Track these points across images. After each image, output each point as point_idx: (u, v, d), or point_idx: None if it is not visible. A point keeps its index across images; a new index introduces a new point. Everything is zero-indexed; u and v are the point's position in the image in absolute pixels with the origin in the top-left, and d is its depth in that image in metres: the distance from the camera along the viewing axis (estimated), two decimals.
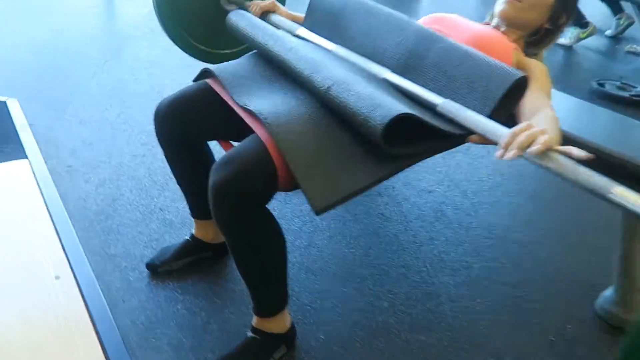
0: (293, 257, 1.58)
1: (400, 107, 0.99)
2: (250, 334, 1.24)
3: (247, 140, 1.10)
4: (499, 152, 0.87)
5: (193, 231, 1.53)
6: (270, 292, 1.19)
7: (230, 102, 1.20)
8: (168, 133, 1.32)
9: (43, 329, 0.72)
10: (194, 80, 1.37)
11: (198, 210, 1.47)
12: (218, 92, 1.25)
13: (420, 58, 1.17)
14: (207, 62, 1.78)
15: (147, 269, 1.49)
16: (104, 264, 1.51)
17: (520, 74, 1.06)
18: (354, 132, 1.06)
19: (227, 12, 1.50)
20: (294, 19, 1.48)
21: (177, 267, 1.50)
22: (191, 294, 1.44)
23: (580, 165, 0.84)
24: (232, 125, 1.28)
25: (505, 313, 1.45)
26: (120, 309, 1.37)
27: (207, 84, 1.30)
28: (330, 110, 1.09)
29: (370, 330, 1.37)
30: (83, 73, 2.69)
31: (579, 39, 3.51)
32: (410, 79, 1.15)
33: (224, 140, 1.36)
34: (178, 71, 2.73)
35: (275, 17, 1.47)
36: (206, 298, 1.43)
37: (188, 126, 1.30)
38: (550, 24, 1.33)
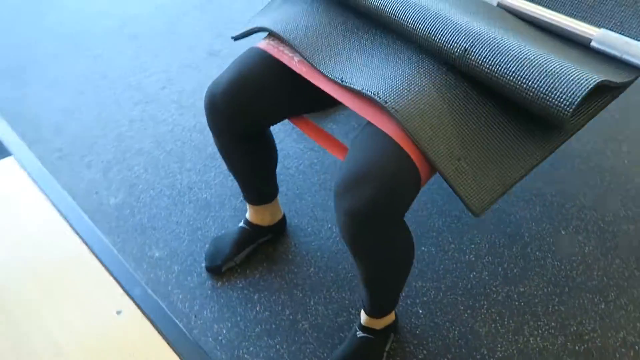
0: None
1: (583, 73, 0.70)
2: (360, 333, 1.13)
3: (370, 141, 0.83)
4: None
5: (247, 216, 1.34)
6: (393, 296, 1.05)
7: (310, 76, 0.92)
8: (227, 125, 1.04)
9: None
10: (236, 39, 1.08)
11: (257, 196, 1.27)
12: (285, 62, 0.97)
13: None
14: None
15: (209, 271, 1.32)
16: (154, 273, 1.33)
17: None
18: (499, 107, 0.82)
19: None
20: None
21: (239, 260, 1.33)
22: (265, 289, 1.29)
23: None
24: (304, 98, 1.05)
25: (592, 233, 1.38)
26: (196, 328, 1.22)
27: (265, 53, 1.01)
28: (462, 79, 0.82)
29: (467, 292, 1.28)
30: (32, 16, 2.22)
31: None
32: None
33: (294, 117, 1.11)
34: None
35: None
36: (283, 291, 1.29)
37: (252, 114, 1.02)
38: None
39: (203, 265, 1.34)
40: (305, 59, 0.93)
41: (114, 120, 1.76)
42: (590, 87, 0.68)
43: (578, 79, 0.69)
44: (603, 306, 1.25)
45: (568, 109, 0.69)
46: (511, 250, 1.37)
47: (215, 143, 1.13)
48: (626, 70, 0.79)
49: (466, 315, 1.24)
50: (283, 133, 1.70)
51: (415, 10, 0.83)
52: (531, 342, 1.19)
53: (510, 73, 0.73)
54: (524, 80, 0.72)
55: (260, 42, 1.05)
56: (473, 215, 0.81)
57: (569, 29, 0.83)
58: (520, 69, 0.72)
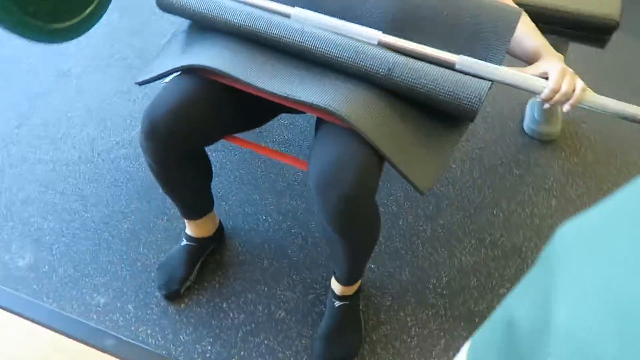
0: None
1: (480, 81, 0.93)
2: (338, 302, 1.24)
3: (332, 139, 0.94)
4: (547, 105, 0.94)
5: (188, 232, 1.33)
6: (366, 264, 1.17)
7: (255, 91, 0.96)
8: (169, 150, 1.02)
9: None
10: (142, 84, 1.04)
11: (196, 211, 1.27)
12: (225, 82, 0.99)
13: (411, 13, 1.01)
14: (44, 41, 1.20)
15: (169, 299, 1.29)
16: (109, 319, 1.25)
17: (517, 9, 1.01)
18: (417, 108, 0.98)
19: None
20: None
21: (194, 277, 1.32)
22: (230, 295, 1.32)
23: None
24: (243, 117, 1.09)
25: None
26: (180, 355, 1.20)
27: (201, 78, 1.01)
28: (385, 93, 0.96)
29: (402, 237, 1.47)
30: None
31: None
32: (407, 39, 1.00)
33: (232, 135, 1.13)
34: None
35: None
36: (247, 291, 1.33)
37: (195, 137, 1.03)
38: None
39: (157, 294, 1.31)
40: (243, 82, 0.95)
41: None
42: (487, 88, 0.92)
43: (478, 84, 0.92)
44: (501, 215, 1.54)
45: (478, 105, 0.91)
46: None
47: (152, 168, 1.10)
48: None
49: (408, 256, 1.43)
50: None
51: (335, 44, 0.94)
52: (463, 261, 1.43)
53: (429, 84, 0.93)
54: (442, 90, 0.92)
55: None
56: (420, 193, 0.96)
57: (437, 56, 0.99)
58: (437, 82, 0.92)
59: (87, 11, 1.25)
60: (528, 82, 0.95)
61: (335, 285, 1.24)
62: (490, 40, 0.98)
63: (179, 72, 1.02)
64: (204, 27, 1.05)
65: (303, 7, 1.00)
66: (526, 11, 1.04)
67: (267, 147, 1.17)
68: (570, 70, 0.94)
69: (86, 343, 0.73)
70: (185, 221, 1.31)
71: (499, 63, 0.97)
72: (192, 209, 1.25)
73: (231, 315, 1.28)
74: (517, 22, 0.97)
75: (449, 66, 0.96)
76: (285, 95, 0.92)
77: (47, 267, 1.34)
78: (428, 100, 0.95)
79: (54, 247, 1.38)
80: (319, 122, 1.04)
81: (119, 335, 1.12)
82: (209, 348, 1.22)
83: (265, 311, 1.29)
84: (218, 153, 1.64)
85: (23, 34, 1.12)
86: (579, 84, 0.92)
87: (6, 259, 1.35)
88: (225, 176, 1.58)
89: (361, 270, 1.19)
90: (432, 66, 0.94)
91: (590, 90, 0.95)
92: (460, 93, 0.91)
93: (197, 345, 1.22)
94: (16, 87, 1.81)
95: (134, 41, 1.99)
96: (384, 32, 0.97)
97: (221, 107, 1.03)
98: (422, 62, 0.95)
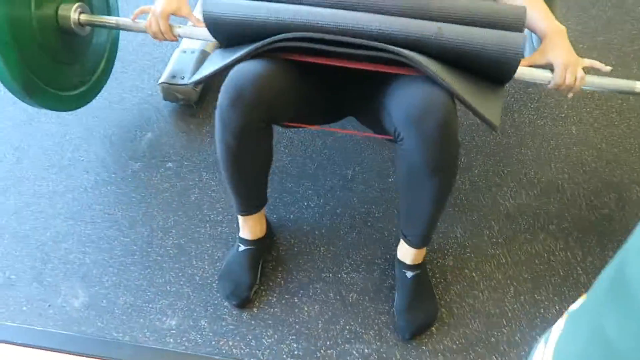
0: None
1: (517, 34, 1.01)
2: (410, 273, 1.25)
3: (411, 82, 1.00)
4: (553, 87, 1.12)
5: (244, 236, 1.30)
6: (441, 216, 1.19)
7: (328, 60, 1.01)
8: (253, 118, 1.02)
9: None
10: (198, 83, 1.10)
11: (257, 199, 1.26)
12: (299, 59, 1.02)
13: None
14: (56, 108, 1.47)
15: (240, 307, 1.27)
16: (187, 339, 1.24)
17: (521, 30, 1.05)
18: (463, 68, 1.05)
19: (76, 39, 1.31)
20: None
21: (259, 281, 1.31)
22: (299, 289, 1.31)
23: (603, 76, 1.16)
24: (315, 105, 1.18)
25: None
26: (268, 359, 1.21)
27: (277, 57, 1.03)
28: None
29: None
30: None
31: None
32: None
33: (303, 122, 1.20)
34: None
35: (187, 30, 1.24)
36: (313, 281, 1.33)
37: (277, 107, 1.04)
38: None
39: (225, 304, 1.29)
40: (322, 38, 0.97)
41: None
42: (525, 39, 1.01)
43: (517, 36, 1.00)
44: (529, 153, 1.57)
45: (520, 53, 1.00)
46: None
47: (228, 145, 1.08)
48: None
49: (456, 213, 1.45)
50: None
51: (386, 20, 1.00)
52: (507, 205, 1.46)
53: (475, 40, 0.99)
54: (488, 44, 0.99)
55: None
56: (493, 129, 1.03)
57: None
58: (483, 37, 0.99)
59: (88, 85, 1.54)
60: (535, 76, 1.13)
61: (406, 253, 1.24)
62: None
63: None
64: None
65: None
66: None
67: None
68: (572, 58, 1.09)
69: None
70: (241, 223, 1.28)
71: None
72: (254, 197, 1.24)
73: (305, 308, 1.28)
74: (522, 48, 1.00)
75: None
76: (372, 44, 0.96)
77: (104, 301, 1.30)
78: (474, 57, 1.00)
79: (104, 280, 1.33)
80: (374, 90, 1.11)
81: (203, 354, 1.12)
82: (295, 345, 1.23)
83: (337, 297, 1.30)
84: None
85: (33, 102, 1.35)
86: (579, 74, 1.09)
87: (59, 302, 1.30)
88: None
89: (435, 225, 1.18)
90: (472, 26, 1.01)
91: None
92: (504, 44, 0.99)
93: (282, 345, 1.23)
94: (1, 120, 1.68)
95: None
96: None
97: (298, 86, 1.07)
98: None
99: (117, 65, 1.72)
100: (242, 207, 1.24)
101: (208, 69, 1.08)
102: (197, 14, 1.35)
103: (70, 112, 1.65)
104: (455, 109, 1.00)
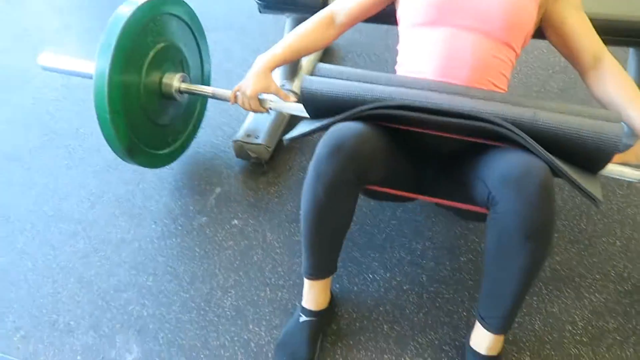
0: None
1: (615, 124, 0.99)
2: None
3: (507, 152, 0.99)
4: None
5: (307, 306, 1.24)
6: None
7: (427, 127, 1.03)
8: (348, 172, 1.01)
9: None
10: (293, 139, 1.13)
11: (329, 263, 1.21)
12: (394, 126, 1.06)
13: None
14: (150, 166, 1.59)
15: None
16: None
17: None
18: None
19: (173, 104, 1.41)
20: None
21: (317, 358, 1.23)
22: None
23: None
24: (405, 174, 1.17)
25: None
26: None
27: (374, 124, 1.05)
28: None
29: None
30: None
31: None
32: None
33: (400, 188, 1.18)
34: None
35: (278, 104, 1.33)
36: None
37: (373, 164, 1.04)
38: None
39: None
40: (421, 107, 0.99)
41: (59, 266, 1.46)
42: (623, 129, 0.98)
43: (614, 126, 0.98)
44: (618, 243, 1.44)
45: (618, 147, 0.97)
46: None
47: (317, 199, 1.05)
48: None
49: (535, 302, 1.33)
50: None
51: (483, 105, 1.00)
52: (593, 300, 1.33)
53: (572, 127, 0.97)
54: (585, 131, 0.97)
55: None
56: (596, 205, 0.99)
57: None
58: (579, 125, 0.97)
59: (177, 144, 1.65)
60: (625, 173, 1.11)
61: (482, 341, 1.14)
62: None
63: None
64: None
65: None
66: (595, 24, 1.17)
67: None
68: None
69: None
70: (305, 289, 1.23)
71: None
72: (328, 260, 1.20)
73: None
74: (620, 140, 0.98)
75: None
76: (470, 113, 0.96)
77: (157, 358, 1.26)
78: (568, 143, 0.98)
79: (160, 336, 1.30)
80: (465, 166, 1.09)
81: None
82: None
83: None
84: None
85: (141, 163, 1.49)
86: None
87: (113, 355, 1.27)
88: None
89: (520, 306, 1.08)
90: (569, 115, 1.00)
91: None
92: (602, 133, 0.96)
93: None
94: (82, 166, 1.75)
95: None
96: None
97: (392, 151, 1.08)
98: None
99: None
100: (312, 270, 1.19)
101: (304, 128, 1.11)
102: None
103: None
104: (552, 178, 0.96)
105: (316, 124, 1.08)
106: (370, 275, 1.41)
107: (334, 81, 1.09)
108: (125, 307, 1.36)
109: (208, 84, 1.72)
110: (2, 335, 1.31)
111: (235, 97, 1.34)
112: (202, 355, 1.26)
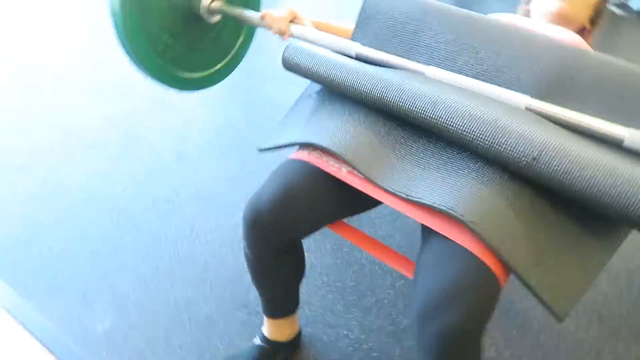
0: None
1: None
2: None
3: (445, 256, 0.83)
4: None
5: (265, 333, 1.25)
6: None
7: (367, 189, 0.93)
8: (269, 240, 0.98)
9: None
10: (262, 150, 1.10)
11: (280, 308, 1.20)
12: (332, 173, 0.98)
13: (571, 79, 0.90)
14: (178, 88, 1.31)
15: None
16: None
17: None
18: (563, 211, 0.85)
19: (203, 24, 1.26)
20: (331, 30, 1.21)
21: None
22: None
23: None
24: (349, 206, 1.06)
25: None
26: None
27: (308, 164, 1.00)
28: (524, 185, 0.85)
29: None
30: None
31: None
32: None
33: (332, 223, 1.11)
34: None
35: (303, 30, 1.14)
36: None
37: (298, 228, 0.98)
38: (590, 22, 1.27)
39: None
40: (361, 174, 0.93)
41: (86, 237, 1.61)
42: None
43: None
44: None
45: None
46: (526, 341, 1.39)
47: (249, 259, 1.07)
48: None
49: None
50: None
51: (472, 118, 0.84)
52: None
53: (585, 180, 0.76)
54: (601, 187, 0.75)
55: (297, 152, 1.04)
56: (558, 320, 0.82)
57: (599, 129, 0.85)
58: (596, 176, 0.75)
59: (218, 66, 1.40)
60: None
61: None
62: None
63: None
64: (328, 91, 1.05)
65: (409, 54, 1.01)
66: None
67: (372, 238, 1.10)
68: None
69: None
70: (265, 319, 1.24)
71: None
72: (278, 306, 1.19)
73: None
74: None
75: (616, 143, 0.83)
76: (405, 195, 0.87)
77: (121, 337, 1.32)
78: (581, 198, 0.78)
79: (132, 318, 1.37)
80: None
81: None
82: None
83: None
84: (310, 254, 1.59)
85: (165, 82, 1.26)
86: None
87: (88, 320, 1.36)
88: (313, 279, 1.51)
89: None
90: (590, 152, 0.77)
91: None
92: (628, 193, 0.72)
93: None
94: (137, 162, 1.95)
95: (251, 134, 2.10)
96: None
97: (326, 196, 0.99)
98: (578, 145, 0.79)
99: (249, 150, 1.90)
100: (264, 309, 1.20)
101: (278, 138, 1.09)
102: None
103: (191, 174, 1.85)
104: (497, 288, 0.80)
105: (288, 139, 1.05)
106: (345, 332, 1.38)
107: (318, 54, 1.02)
108: (116, 286, 1.46)
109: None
110: None
111: (265, 16, 1.21)
112: (160, 349, 1.30)
